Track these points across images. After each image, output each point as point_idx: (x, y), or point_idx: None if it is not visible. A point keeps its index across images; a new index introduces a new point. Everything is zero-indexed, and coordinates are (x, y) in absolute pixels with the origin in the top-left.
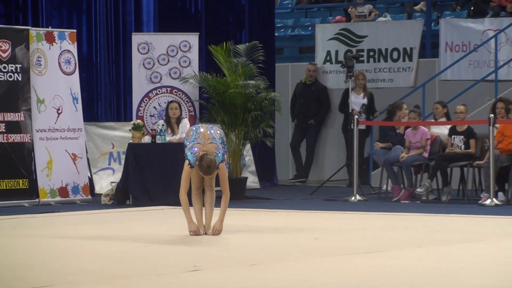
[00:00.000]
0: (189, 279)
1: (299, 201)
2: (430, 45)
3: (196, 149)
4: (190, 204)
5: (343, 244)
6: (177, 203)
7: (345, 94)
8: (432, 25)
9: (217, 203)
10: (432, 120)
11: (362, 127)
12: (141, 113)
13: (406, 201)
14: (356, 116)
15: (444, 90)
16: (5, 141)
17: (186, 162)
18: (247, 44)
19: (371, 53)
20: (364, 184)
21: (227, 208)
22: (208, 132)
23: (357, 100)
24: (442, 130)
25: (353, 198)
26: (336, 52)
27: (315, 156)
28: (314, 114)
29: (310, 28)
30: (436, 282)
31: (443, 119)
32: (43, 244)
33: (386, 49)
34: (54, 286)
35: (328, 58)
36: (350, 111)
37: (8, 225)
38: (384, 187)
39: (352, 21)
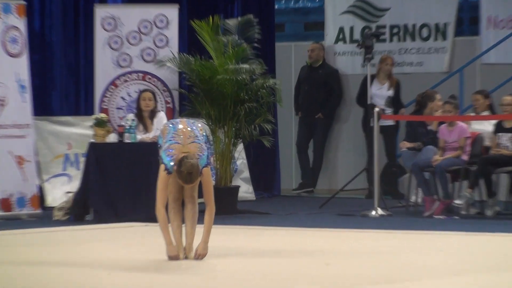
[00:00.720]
0: None
1: (305, 216)
2: (468, 21)
3: (173, 150)
4: (169, 221)
5: (360, 271)
6: (150, 218)
7: (364, 83)
8: None
9: (201, 218)
10: (473, 114)
11: (390, 122)
12: (105, 105)
13: (441, 217)
14: (377, 109)
15: (487, 76)
16: None
17: (162, 166)
18: (239, 18)
19: (395, 30)
20: (389, 195)
21: (213, 226)
22: (189, 128)
23: (380, 92)
24: (485, 127)
25: (373, 212)
26: (351, 28)
27: (325, 159)
28: (323, 106)
29: None
30: None
31: (486, 113)
32: None
33: (414, 25)
34: None
35: (340, 37)
36: (369, 102)
37: None
38: (413, 198)
39: None
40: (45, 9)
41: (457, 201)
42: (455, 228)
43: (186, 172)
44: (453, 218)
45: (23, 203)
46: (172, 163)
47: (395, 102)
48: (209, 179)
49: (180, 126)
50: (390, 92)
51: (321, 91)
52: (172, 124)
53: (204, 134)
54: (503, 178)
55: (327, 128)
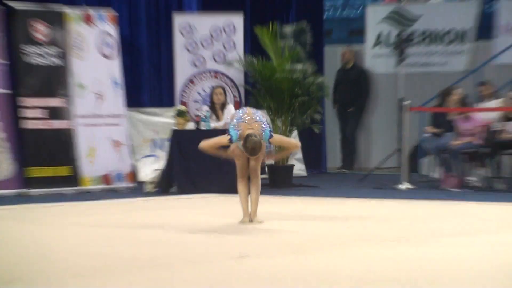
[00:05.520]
0: (236, 267)
1: (347, 189)
2: (485, 27)
3: (239, 126)
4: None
5: (380, 232)
6: (222, 190)
7: None
8: (488, 6)
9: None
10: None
11: None
12: (184, 99)
13: (457, 190)
14: (408, 101)
15: (500, 75)
16: (47, 127)
17: (226, 136)
18: (294, 25)
19: (424, 35)
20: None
21: (273, 196)
22: (253, 111)
23: None
24: (491, 114)
25: (402, 186)
26: (388, 34)
27: (362, 143)
28: (354, 101)
29: (360, 9)
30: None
31: (492, 100)
32: (82, 232)
33: (439, 31)
34: (92, 274)
35: (379, 41)
36: (398, 97)
37: (50, 212)
38: (435, 175)
39: (403, 2)
40: (132, 18)
41: (471, 178)
42: (468, 199)
43: (250, 147)
44: (466, 191)
45: (121, 178)
46: (238, 136)
47: None
48: (280, 139)
49: (246, 111)
50: None
51: (354, 89)
52: (240, 110)
53: (265, 120)
54: (505, 158)
55: (357, 119)
